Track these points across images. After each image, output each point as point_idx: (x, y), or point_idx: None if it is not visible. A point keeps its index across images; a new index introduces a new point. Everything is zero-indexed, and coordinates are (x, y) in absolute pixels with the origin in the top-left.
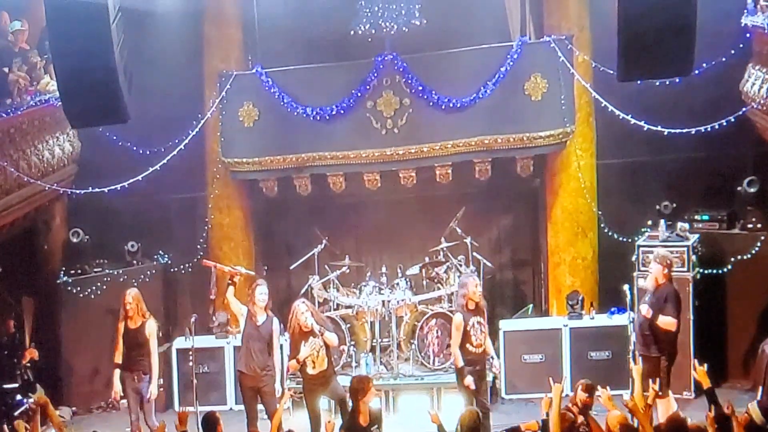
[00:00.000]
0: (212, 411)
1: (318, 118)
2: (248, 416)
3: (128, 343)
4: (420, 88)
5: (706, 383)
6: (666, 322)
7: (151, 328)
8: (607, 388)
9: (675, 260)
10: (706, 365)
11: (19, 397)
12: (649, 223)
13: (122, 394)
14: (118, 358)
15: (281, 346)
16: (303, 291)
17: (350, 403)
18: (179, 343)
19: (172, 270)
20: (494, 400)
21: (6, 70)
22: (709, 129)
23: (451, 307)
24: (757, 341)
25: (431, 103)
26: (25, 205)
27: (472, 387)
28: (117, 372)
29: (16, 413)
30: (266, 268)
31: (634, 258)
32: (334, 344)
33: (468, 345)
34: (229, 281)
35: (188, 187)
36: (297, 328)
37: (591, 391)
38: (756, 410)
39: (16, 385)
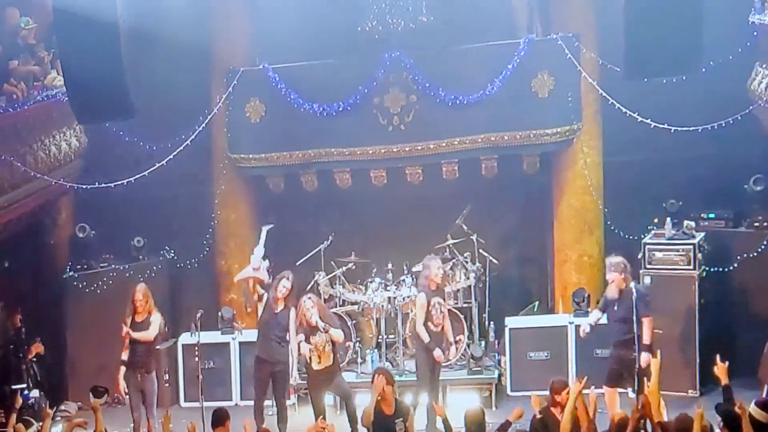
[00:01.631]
0: (222, 407)
1: (325, 114)
2: (256, 405)
3: (133, 338)
4: (427, 84)
5: (725, 379)
6: (647, 322)
7: (156, 320)
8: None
9: (680, 258)
10: (727, 362)
11: (25, 392)
12: (656, 220)
13: (127, 391)
14: (125, 356)
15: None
16: (309, 287)
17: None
18: (185, 338)
19: (178, 266)
20: (499, 396)
21: (16, 62)
22: (715, 127)
23: (457, 303)
24: (762, 339)
25: (438, 100)
26: (31, 200)
27: (442, 359)
28: (122, 369)
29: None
30: (272, 264)
31: (640, 256)
32: (340, 340)
33: (429, 323)
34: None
35: (195, 183)
36: (304, 323)
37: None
38: (759, 411)
39: (25, 385)
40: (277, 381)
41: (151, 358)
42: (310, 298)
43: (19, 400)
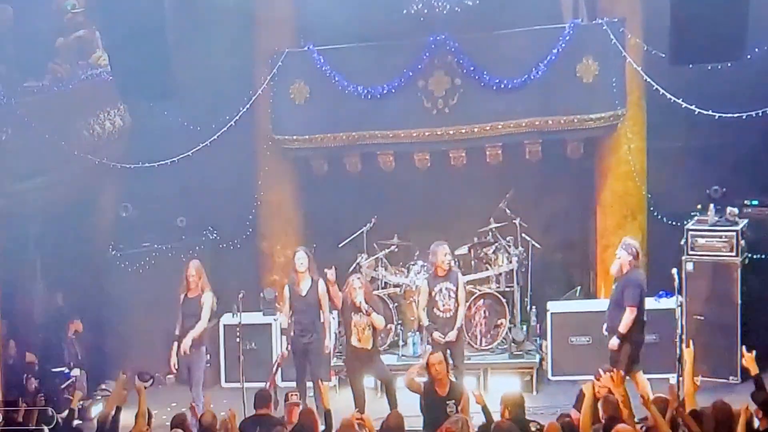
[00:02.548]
0: (265, 388)
1: (369, 96)
2: (298, 383)
3: (185, 313)
4: (471, 68)
5: (754, 369)
6: (629, 311)
7: (207, 299)
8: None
9: (723, 245)
10: (754, 351)
11: (65, 370)
12: (699, 207)
13: (177, 367)
14: (179, 329)
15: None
16: (351, 269)
17: None
18: (226, 319)
19: (220, 246)
20: (540, 381)
21: (62, 40)
22: (759, 114)
23: (499, 287)
24: None
25: (482, 84)
26: (74, 179)
27: (441, 340)
28: (175, 345)
29: (63, 386)
30: (314, 245)
31: (682, 242)
32: (380, 327)
33: (435, 309)
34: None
35: (238, 164)
36: (348, 301)
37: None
38: None
39: (65, 369)
40: (311, 355)
41: (202, 333)
42: (359, 278)
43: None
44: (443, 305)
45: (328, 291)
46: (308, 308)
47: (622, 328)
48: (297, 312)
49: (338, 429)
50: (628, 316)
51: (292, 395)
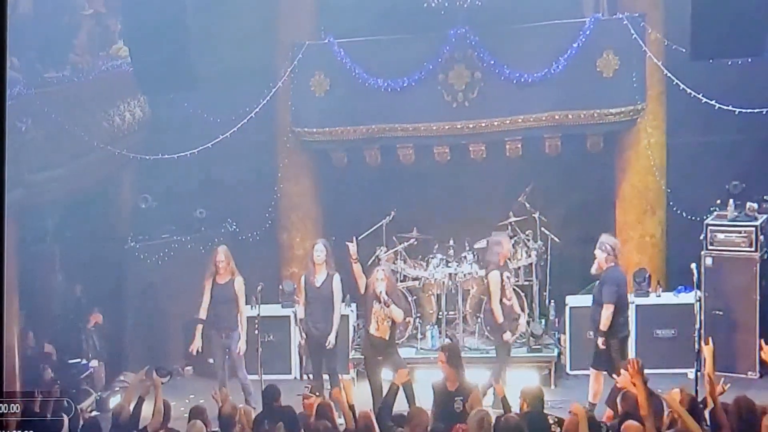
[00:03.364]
0: (273, 383)
1: (389, 89)
2: (315, 376)
3: (216, 298)
4: (492, 62)
5: None
6: (606, 307)
7: (240, 284)
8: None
9: (742, 240)
10: None
11: (84, 361)
12: (718, 202)
13: (199, 350)
14: (203, 314)
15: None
16: (370, 262)
17: None
18: (245, 311)
19: (239, 238)
20: (558, 375)
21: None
22: None
23: (518, 281)
24: None
25: (503, 78)
26: (94, 170)
27: (511, 341)
28: (200, 327)
29: (81, 377)
30: (333, 238)
31: (702, 237)
32: (398, 320)
33: (503, 299)
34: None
35: (257, 156)
36: (370, 290)
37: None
38: None
39: (83, 360)
40: (324, 348)
41: (236, 317)
42: (383, 269)
43: None
44: (509, 293)
45: (352, 271)
46: (322, 300)
47: (602, 326)
48: (310, 303)
49: (357, 421)
50: (605, 313)
51: (307, 389)
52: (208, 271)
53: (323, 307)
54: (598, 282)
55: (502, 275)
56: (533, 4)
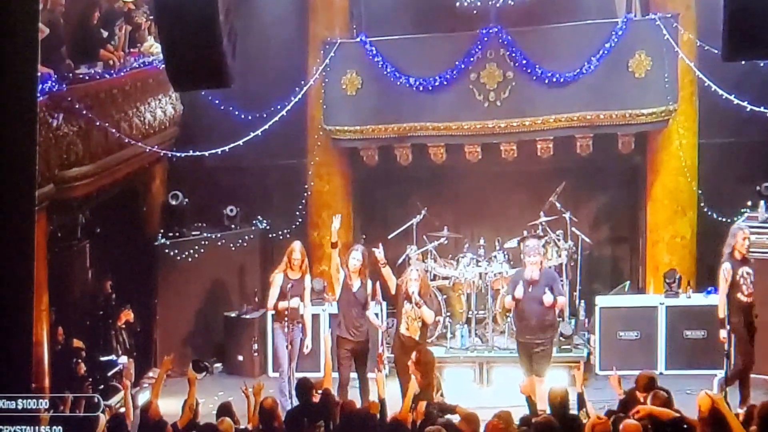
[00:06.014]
0: (306, 377)
1: (421, 88)
2: (341, 380)
3: (291, 293)
4: (524, 61)
5: None
6: (561, 302)
7: (309, 281)
8: None
9: None
10: None
11: (113, 357)
12: (749, 203)
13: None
14: (271, 303)
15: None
16: (400, 261)
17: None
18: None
19: (270, 236)
20: (588, 375)
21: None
22: None
23: None
24: None
25: (534, 77)
26: (125, 166)
27: (726, 341)
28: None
29: (110, 373)
30: (364, 236)
31: None
32: (428, 322)
33: (739, 294)
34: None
35: (289, 154)
36: (403, 290)
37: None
38: None
39: (113, 356)
40: (358, 356)
41: (302, 312)
42: (417, 270)
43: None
44: (746, 290)
45: (380, 274)
46: (357, 305)
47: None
48: (346, 304)
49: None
50: (561, 304)
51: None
52: (280, 265)
53: (359, 312)
54: (537, 282)
55: (735, 269)
56: (565, 4)
